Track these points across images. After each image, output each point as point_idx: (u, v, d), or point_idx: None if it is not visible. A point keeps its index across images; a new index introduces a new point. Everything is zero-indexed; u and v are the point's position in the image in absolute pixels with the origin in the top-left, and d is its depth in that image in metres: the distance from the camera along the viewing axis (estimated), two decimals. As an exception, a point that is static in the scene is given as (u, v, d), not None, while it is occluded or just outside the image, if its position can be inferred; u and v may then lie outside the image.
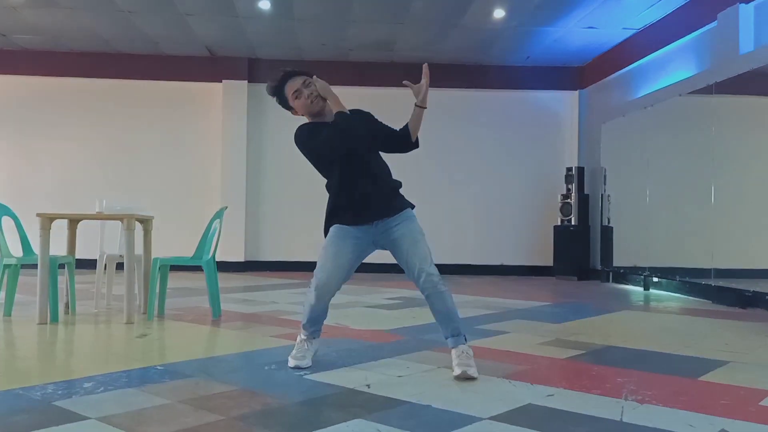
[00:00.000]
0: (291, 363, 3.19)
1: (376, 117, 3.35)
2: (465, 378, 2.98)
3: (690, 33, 7.58)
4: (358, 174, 3.19)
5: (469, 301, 6.39)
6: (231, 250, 9.76)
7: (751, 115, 6.70)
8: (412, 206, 3.29)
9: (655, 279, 7.89)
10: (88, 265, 6.47)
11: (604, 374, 3.21)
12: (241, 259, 10.05)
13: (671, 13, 7.96)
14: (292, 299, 6.24)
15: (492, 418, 2.41)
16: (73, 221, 5.19)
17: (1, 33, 9.17)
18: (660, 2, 7.71)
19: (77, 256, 5.21)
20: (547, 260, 10.09)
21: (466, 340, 3.16)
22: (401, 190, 3.31)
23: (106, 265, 5.65)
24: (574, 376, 3.19)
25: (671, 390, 2.90)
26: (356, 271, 3.29)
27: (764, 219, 6.38)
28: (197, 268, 5.36)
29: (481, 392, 2.81)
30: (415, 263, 3.11)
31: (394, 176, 3.31)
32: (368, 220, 3.18)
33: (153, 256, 5.13)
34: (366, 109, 3.35)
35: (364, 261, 3.28)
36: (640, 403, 2.65)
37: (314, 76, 3.25)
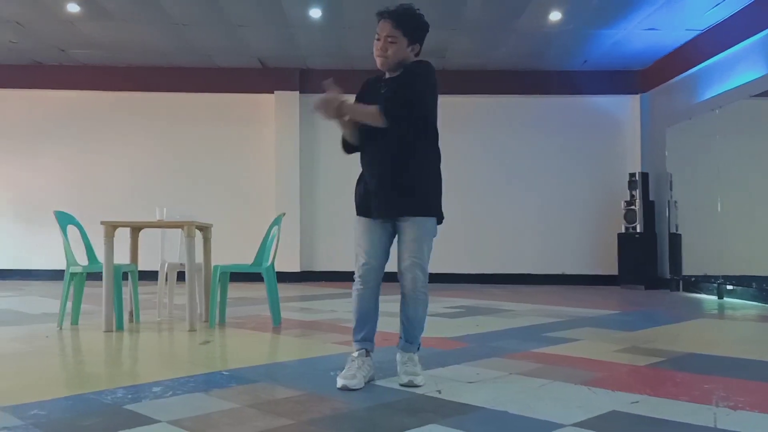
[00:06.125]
0: (339, 383, 2.83)
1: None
2: (411, 386, 2.85)
3: (759, 31, 7.24)
4: None
5: (532, 310, 6.19)
6: (287, 261, 9.74)
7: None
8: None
9: (730, 287, 7.52)
10: (149, 276, 6.54)
11: (689, 381, 3.01)
12: (297, 270, 10.04)
13: (738, 12, 7.62)
14: (351, 308, 6.14)
15: (576, 424, 2.27)
16: (135, 229, 5.24)
17: (60, 48, 9.42)
18: (725, 1, 7.40)
19: (139, 268, 5.25)
20: (611, 269, 9.76)
21: (418, 350, 3.04)
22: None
23: (167, 274, 5.68)
24: (658, 383, 3.00)
25: (765, 397, 2.70)
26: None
27: None
28: (254, 279, 5.33)
29: (558, 398, 2.66)
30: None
31: (447, 180, 3.13)
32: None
33: (213, 264, 5.13)
34: None
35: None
36: (733, 409, 2.47)
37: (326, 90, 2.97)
